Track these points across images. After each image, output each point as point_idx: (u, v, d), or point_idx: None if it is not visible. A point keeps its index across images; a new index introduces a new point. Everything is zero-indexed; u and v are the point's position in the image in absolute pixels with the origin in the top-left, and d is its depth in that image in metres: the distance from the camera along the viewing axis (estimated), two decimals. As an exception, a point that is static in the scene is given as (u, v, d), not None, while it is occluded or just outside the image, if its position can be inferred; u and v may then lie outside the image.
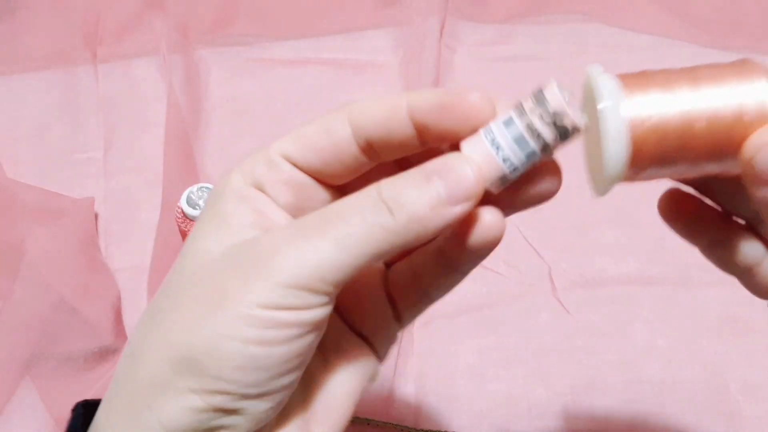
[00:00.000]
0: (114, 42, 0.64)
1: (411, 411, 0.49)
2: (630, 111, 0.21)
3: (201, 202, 0.50)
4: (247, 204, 0.24)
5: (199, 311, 0.21)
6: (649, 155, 0.21)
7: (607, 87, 0.22)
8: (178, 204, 0.50)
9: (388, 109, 0.23)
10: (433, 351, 0.51)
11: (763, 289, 0.27)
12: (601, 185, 0.23)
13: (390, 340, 0.28)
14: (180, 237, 0.53)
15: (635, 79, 0.22)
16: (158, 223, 0.54)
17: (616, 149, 0.21)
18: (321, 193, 0.25)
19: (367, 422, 0.47)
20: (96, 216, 0.57)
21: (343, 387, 0.26)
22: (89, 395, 0.49)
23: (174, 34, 0.63)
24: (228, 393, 0.21)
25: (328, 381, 0.26)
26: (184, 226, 0.50)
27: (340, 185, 0.25)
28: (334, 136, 0.24)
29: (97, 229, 0.57)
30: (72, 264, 0.52)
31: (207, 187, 0.50)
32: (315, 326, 0.22)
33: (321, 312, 0.21)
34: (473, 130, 0.23)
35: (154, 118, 0.60)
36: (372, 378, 0.27)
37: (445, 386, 0.50)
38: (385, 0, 0.65)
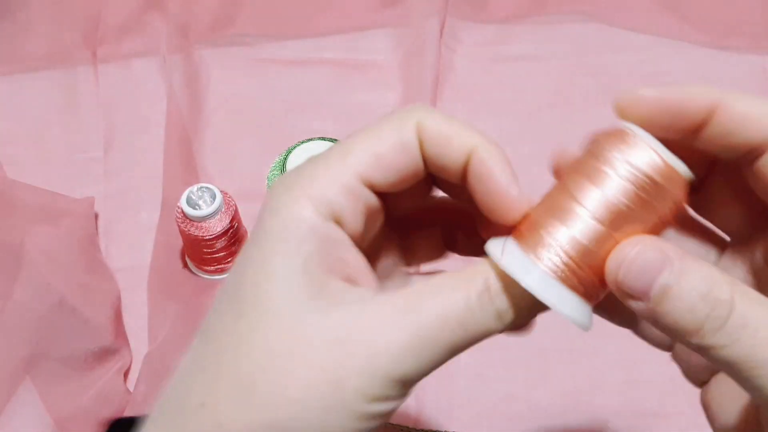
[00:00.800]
0: (114, 42, 0.64)
1: (411, 411, 0.49)
2: (545, 269, 0.21)
3: (201, 203, 0.49)
4: (327, 246, 0.21)
5: (305, 395, 0.20)
6: (590, 283, 0.22)
7: (515, 263, 0.21)
8: (178, 204, 0.50)
9: (454, 144, 0.22)
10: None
11: (655, 340, 0.28)
12: (585, 323, 0.22)
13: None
14: (180, 237, 0.53)
15: (527, 231, 0.22)
16: (158, 223, 0.55)
17: (569, 310, 0.21)
18: (380, 212, 0.24)
19: (367, 422, 0.47)
20: (96, 216, 0.57)
21: None
22: (89, 395, 0.49)
23: (174, 34, 0.63)
24: None
25: None
26: (184, 226, 0.50)
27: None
28: (412, 153, 0.22)
29: (97, 229, 0.57)
30: (72, 264, 0.52)
31: (207, 187, 0.50)
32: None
33: (405, 399, 0.21)
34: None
35: (154, 118, 0.60)
36: None
37: (445, 386, 0.50)
38: (385, 0, 0.65)
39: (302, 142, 0.54)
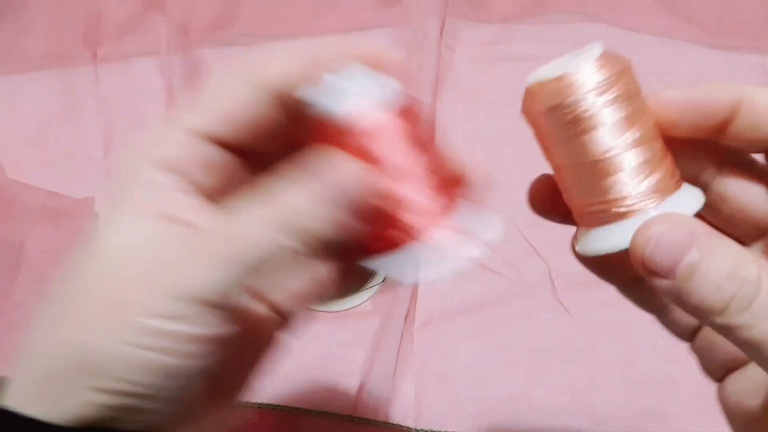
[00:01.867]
0: (114, 42, 0.64)
1: (411, 411, 0.49)
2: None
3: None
4: (158, 191, 0.22)
5: (97, 313, 0.21)
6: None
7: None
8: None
9: (300, 63, 0.23)
10: (433, 351, 0.51)
11: (678, 328, 0.28)
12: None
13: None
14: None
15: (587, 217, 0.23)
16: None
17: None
18: (242, 170, 0.24)
19: (367, 422, 0.47)
20: (96, 216, 0.57)
21: (245, 361, 0.26)
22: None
23: (174, 34, 0.63)
24: (132, 394, 0.21)
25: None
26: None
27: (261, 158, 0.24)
28: (255, 104, 0.23)
29: (97, 229, 0.57)
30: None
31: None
32: (214, 342, 0.21)
33: (219, 329, 0.21)
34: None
35: (154, 118, 0.60)
36: (271, 347, 0.27)
37: (445, 386, 0.50)
38: (384, 0, 0.65)
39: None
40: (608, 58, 0.22)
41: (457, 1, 0.64)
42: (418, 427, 0.48)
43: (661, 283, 0.20)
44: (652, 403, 0.49)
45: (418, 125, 0.23)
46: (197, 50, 0.64)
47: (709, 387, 0.49)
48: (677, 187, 0.22)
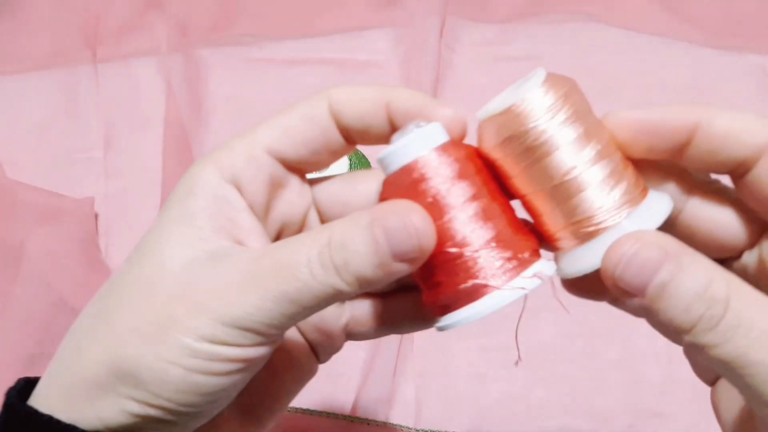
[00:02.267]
0: (114, 42, 0.64)
1: (411, 411, 0.49)
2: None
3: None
4: (220, 206, 0.23)
5: (148, 330, 0.21)
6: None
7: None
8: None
9: (368, 104, 0.24)
10: (433, 351, 0.51)
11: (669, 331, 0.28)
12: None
13: (334, 350, 0.28)
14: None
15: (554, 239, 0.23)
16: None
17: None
18: (291, 183, 0.25)
19: (367, 422, 0.47)
20: (96, 216, 0.57)
21: (283, 386, 0.27)
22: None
23: (174, 34, 0.63)
24: (165, 408, 0.21)
25: (270, 380, 0.26)
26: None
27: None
28: (322, 127, 0.24)
29: (97, 229, 0.57)
30: (72, 264, 0.52)
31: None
32: (253, 362, 0.22)
33: (260, 351, 0.22)
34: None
35: (154, 118, 0.60)
36: (310, 376, 0.28)
37: (445, 386, 0.50)
38: (385, 0, 0.65)
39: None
40: (552, 81, 0.22)
41: (457, 1, 0.64)
42: (418, 427, 0.48)
43: (632, 302, 0.20)
44: (652, 403, 0.49)
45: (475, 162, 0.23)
46: (197, 50, 0.64)
47: (708, 387, 0.49)
48: (644, 195, 0.22)
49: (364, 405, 0.48)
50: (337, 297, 0.21)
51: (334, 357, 0.29)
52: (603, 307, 0.52)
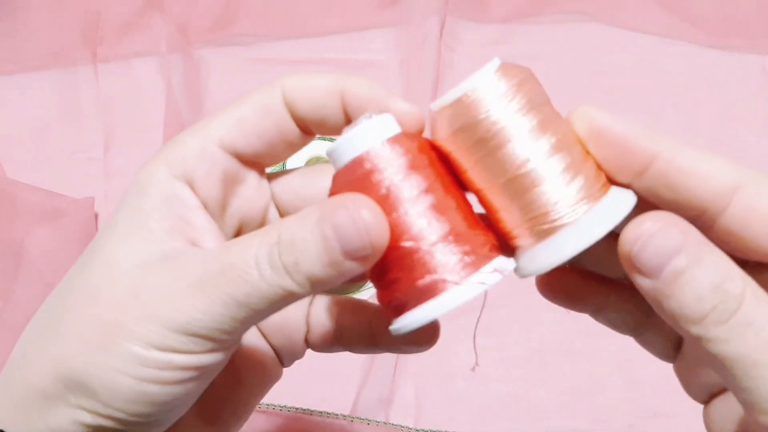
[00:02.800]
0: (114, 42, 0.64)
1: (411, 411, 0.49)
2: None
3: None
4: (171, 205, 0.22)
5: (94, 338, 0.20)
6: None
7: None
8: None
9: (322, 93, 0.23)
10: (433, 351, 0.51)
11: (655, 349, 0.27)
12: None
13: (298, 356, 0.27)
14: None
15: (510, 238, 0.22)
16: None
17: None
18: (248, 178, 0.24)
19: (367, 422, 0.47)
20: (96, 216, 0.57)
21: (247, 390, 0.26)
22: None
23: (174, 33, 0.63)
24: (117, 419, 0.21)
25: (233, 385, 0.26)
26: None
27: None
28: (276, 118, 0.23)
29: (97, 229, 0.57)
30: (72, 264, 0.52)
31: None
32: (207, 369, 0.21)
33: (214, 357, 0.21)
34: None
35: (154, 118, 0.60)
36: (276, 380, 0.27)
37: (445, 386, 0.50)
38: (385, 0, 0.65)
39: (302, 142, 0.54)
40: (505, 70, 0.21)
41: (457, 1, 0.64)
42: (418, 427, 0.48)
43: (643, 281, 0.20)
44: (652, 403, 0.49)
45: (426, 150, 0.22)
46: (197, 50, 0.64)
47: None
48: (605, 190, 0.21)
49: (364, 405, 0.48)
50: (290, 299, 0.20)
51: (334, 357, 0.29)
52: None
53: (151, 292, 0.20)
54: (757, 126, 0.59)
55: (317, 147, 0.52)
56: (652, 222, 0.19)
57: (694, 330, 0.19)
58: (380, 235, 0.20)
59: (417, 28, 0.63)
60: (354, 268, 0.20)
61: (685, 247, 0.19)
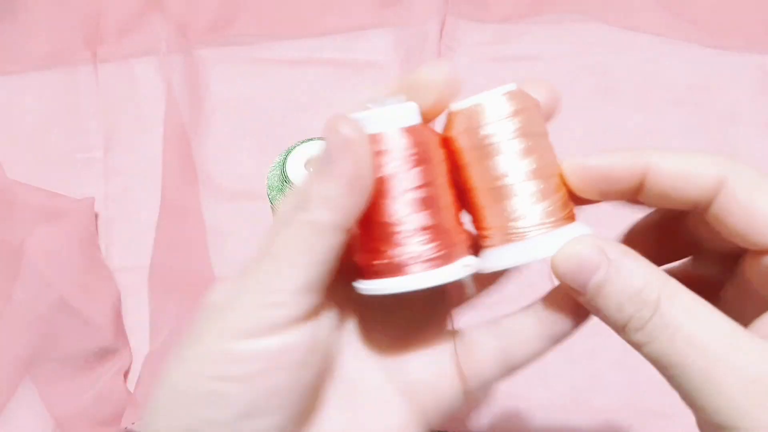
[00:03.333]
0: (114, 42, 0.64)
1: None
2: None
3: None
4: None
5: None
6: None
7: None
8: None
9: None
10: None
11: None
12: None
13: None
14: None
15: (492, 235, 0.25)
16: (158, 222, 0.54)
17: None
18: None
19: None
20: (96, 216, 0.57)
21: None
22: (89, 395, 0.49)
23: (174, 34, 0.63)
24: None
25: None
26: None
27: None
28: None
29: (97, 229, 0.57)
30: (72, 264, 0.52)
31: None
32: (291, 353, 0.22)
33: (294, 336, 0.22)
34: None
35: (154, 118, 0.60)
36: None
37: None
38: (385, 0, 0.65)
39: (302, 142, 0.54)
40: (515, 95, 0.24)
41: (457, 1, 0.64)
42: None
43: (580, 298, 0.22)
44: (653, 403, 0.49)
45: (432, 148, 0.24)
46: (197, 50, 0.64)
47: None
48: (569, 222, 0.24)
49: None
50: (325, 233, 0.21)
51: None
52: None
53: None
54: (757, 126, 0.59)
55: (317, 147, 0.52)
56: (573, 245, 0.22)
57: (622, 336, 0.22)
58: (354, 129, 0.22)
59: (417, 28, 0.63)
60: (348, 169, 0.21)
61: (601, 264, 0.22)
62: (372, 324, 0.26)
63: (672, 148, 0.23)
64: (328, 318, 0.24)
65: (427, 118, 0.24)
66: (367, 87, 0.63)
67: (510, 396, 0.49)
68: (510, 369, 0.26)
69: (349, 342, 0.26)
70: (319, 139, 0.54)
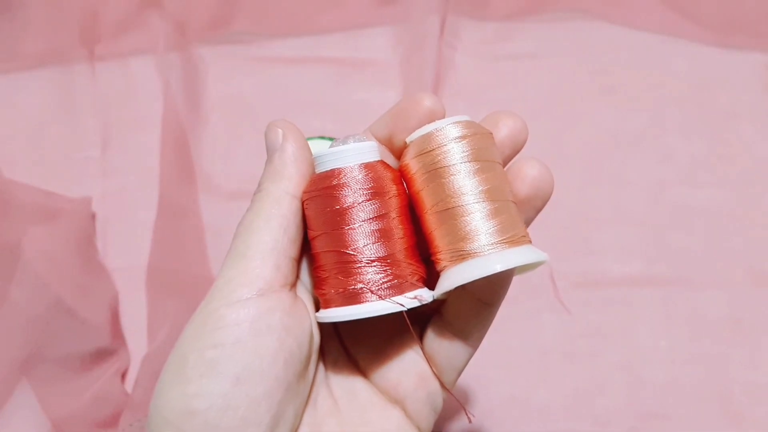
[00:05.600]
0: (111, 40, 0.64)
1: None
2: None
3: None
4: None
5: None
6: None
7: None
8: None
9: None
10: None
11: None
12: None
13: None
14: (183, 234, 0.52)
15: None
16: (155, 222, 0.54)
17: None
18: None
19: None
20: (93, 216, 0.57)
21: None
22: (86, 396, 0.48)
23: (172, 32, 0.63)
24: None
25: None
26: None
27: None
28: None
29: (94, 228, 0.57)
30: (69, 264, 0.52)
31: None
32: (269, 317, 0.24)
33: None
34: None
35: (152, 117, 0.60)
36: None
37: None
38: (385, -2, 0.65)
39: (301, 141, 0.53)
40: (468, 124, 0.26)
41: (457, -1, 0.64)
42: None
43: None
44: (654, 405, 0.49)
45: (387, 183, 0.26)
46: (195, 48, 0.64)
47: (712, 388, 0.49)
48: (522, 243, 0.25)
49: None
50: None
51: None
52: (605, 309, 0.52)
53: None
54: (760, 124, 0.59)
55: (316, 146, 0.52)
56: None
57: None
58: (286, 123, 0.27)
59: (417, 26, 0.63)
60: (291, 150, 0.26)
61: None
62: (352, 341, 0.29)
63: None
64: (299, 292, 0.27)
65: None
66: (367, 86, 0.63)
67: (511, 398, 0.49)
68: (472, 351, 0.28)
69: (336, 361, 0.28)
70: (318, 138, 0.54)
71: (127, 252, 0.56)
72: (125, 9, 0.64)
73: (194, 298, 0.53)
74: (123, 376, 0.51)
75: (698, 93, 0.60)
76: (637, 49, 0.63)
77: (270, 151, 0.27)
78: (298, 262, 0.27)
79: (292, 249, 0.26)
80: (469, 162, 0.25)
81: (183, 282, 0.54)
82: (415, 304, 0.25)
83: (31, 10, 0.64)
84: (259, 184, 0.26)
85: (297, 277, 0.27)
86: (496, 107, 0.67)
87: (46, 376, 0.49)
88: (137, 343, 0.52)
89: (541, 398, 0.49)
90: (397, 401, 0.27)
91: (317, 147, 0.52)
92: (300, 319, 0.25)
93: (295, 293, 0.26)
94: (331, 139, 0.53)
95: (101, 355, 0.50)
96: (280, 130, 0.26)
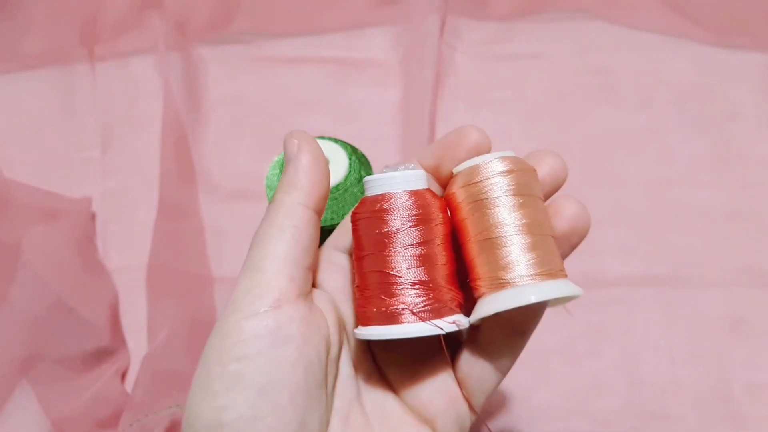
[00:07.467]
0: (111, 40, 0.64)
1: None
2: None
3: None
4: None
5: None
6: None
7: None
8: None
9: None
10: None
11: None
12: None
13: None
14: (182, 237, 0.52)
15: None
16: (155, 222, 0.54)
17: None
18: None
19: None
20: (93, 216, 0.57)
21: None
22: (86, 396, 0.48)
23: (172, 31, 0.63)
24: None
25: None
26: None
27: None
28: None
29: (94, 229, 0.57)
30: (69, 264, 0.52)
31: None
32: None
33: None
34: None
35: (152, 117, 0.60)
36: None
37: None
38: (385, -2, 0.65)
39: (301, 141, 0.53)
40: (513, 160, 0.27)
41: (457, -1, 0.64)
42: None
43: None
44: (654, 405, 0.49)
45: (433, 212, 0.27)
46: (195, 48, 0.64)
47: (712, 388, 0.49)
48: (559, 277, 0.26)
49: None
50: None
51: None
52: (604, 309, 0.52)
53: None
54: (761, 125, 0.59)
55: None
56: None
57: None
58: (304, 135, 0.28)
59: (417, 26, 0.63)
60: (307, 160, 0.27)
61: None
62: (385, 359, 0.30)
63: None
64: (316, 300, 0.28)
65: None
66: (367, 85, 0.63)
67: (511, 398, 0.49)
68: (502, 376, 0.29)
69: (369, 378, 0.29)
70: (318, 138, 0.54)
71: (126, 252, 0.56)
72: (125, 9, 0.64)
73: (194, 298, 0.53)
74: (123, 376, 0.51)
75: (698, 93, 0.60)
76: (637, 49, 0.63)
77: (286, 162, 0.28)
78: (314, 270, 0.28)
79: (305, 258, 0.26)
80: (513, 196, 0.26)
81: (183, 282, 0.54)
82: (453, 328, 0.26)
83: (31, 10, 0.64)
84: (274, 195, 0.27)
85: (313, 285, 0.28)
86: (496, 107, 0.67)
87: (46, 376, 0.49)
88: (137, 343, 0.52)
89: (541, 398, 0.49)
90: (427, 421, 0.28)
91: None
92: (317, 328, 0.26)
93: (311, 301, 0.27)
94: (331, 138, 0.53)
95: (101, 355, 0.50)
96: (296, 141, 0.27)
